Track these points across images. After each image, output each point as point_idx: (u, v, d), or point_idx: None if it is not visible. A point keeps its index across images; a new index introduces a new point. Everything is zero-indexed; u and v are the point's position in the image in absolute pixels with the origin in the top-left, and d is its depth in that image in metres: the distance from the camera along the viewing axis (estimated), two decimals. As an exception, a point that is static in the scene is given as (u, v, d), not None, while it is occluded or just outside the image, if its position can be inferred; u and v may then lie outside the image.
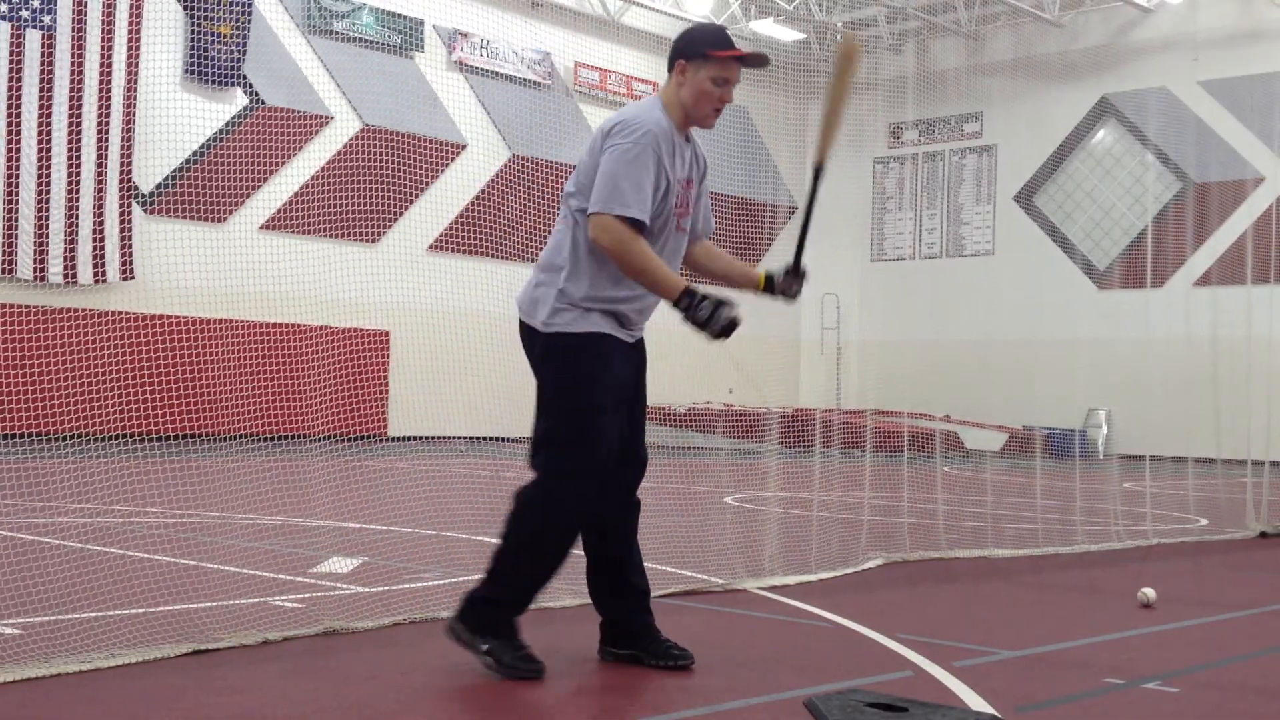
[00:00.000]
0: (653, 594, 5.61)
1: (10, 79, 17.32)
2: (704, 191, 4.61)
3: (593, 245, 4.28)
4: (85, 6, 17.82)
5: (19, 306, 15.19)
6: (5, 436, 12.63)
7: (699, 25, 4.58)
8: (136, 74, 18.34)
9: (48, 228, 17.54)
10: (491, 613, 4.24)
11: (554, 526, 4.27)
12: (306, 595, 5.67)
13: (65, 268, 17.69)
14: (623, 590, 4.52)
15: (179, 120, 18.72)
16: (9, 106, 17.27)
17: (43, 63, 17.55)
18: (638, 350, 4.53)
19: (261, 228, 19.53)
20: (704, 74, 4.34)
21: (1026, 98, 26.56)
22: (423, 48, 22.13)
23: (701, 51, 4.35)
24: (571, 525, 4.30)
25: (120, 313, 15.82)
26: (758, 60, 4.39)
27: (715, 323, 4.15)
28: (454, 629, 4.31)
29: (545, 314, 4.32)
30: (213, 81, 19.26)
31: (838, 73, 4.47)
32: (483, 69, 22.60)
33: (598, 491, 4.31)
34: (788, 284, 4.51)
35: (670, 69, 4.44)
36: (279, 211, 19.80)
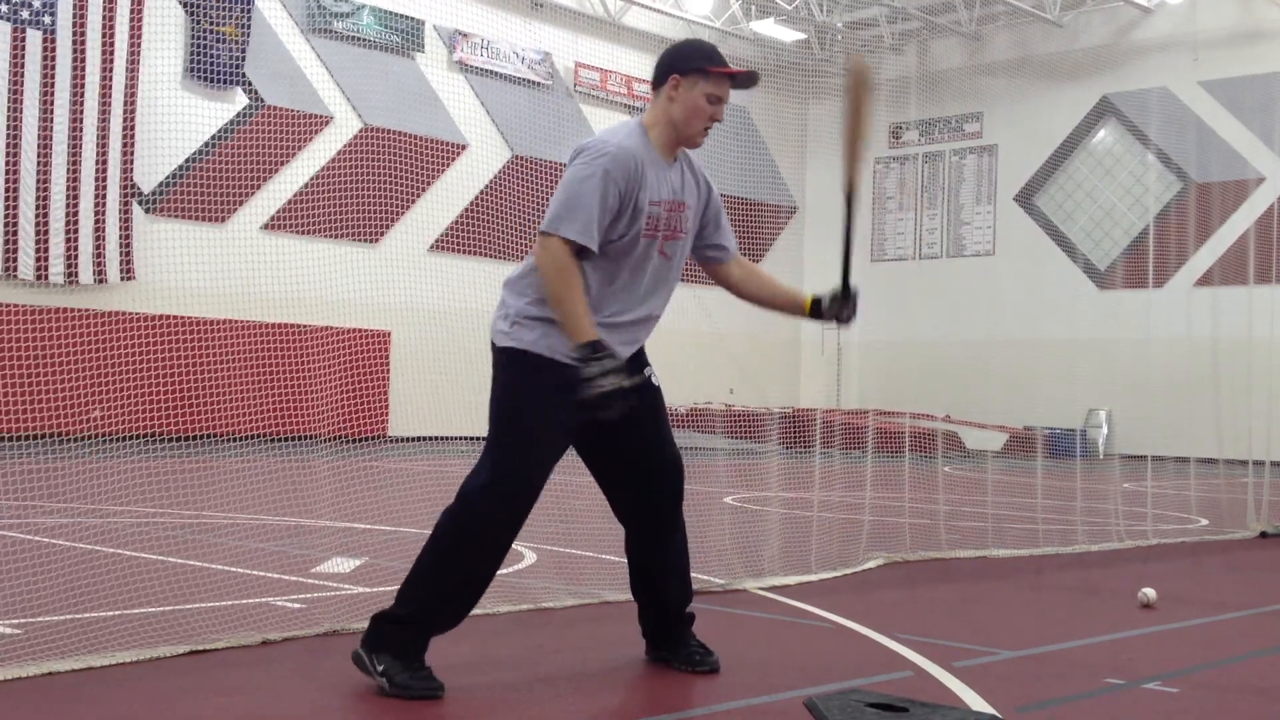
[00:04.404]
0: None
1: (11, 79, 17.33)
2: (712, 215, 4.46)
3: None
4: (86, 6, 17.82)
5: (20, 307, 15.20)
6: (5, 437, 12.64)
7: (690, 41, 4.41)
8: (137, 74, 18.35)
9: (48, 228, 17.55)
10: (395, 631, 4.05)
11: (463, 543, 4.11)
12: (307, 596, 5.67)
13: (67, 268, 17.71)
14: (650, 597, 4.49)
15: (180, 120, 18.73)
16: (9, 106, 17.27)
17: (43, 63, 17.56)
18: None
19: (262, 228, 19.55)
20: (699, 90, 4.18)
21: (1027, 98, 26.55)
22: (423, 48, 22.14)
23: (698, 66, 4.18)
24: (481, 542, 4.11)
25: (121, 313, 15.83)
26: (749, 80, 4.26)
27: (594, 385, 3.93)
28: (356, 653, 4.09)
29: (505, 327, 4.25)
30: (213, 81, 19.28)
31: (855, 98, 4.32)
32: (483, 69, 22.61)
33: (509, 512, 4.12)
34: (836, 309, 4.42)
35: (659, 83, 4.25)
36: (280, 212, 19.82)
